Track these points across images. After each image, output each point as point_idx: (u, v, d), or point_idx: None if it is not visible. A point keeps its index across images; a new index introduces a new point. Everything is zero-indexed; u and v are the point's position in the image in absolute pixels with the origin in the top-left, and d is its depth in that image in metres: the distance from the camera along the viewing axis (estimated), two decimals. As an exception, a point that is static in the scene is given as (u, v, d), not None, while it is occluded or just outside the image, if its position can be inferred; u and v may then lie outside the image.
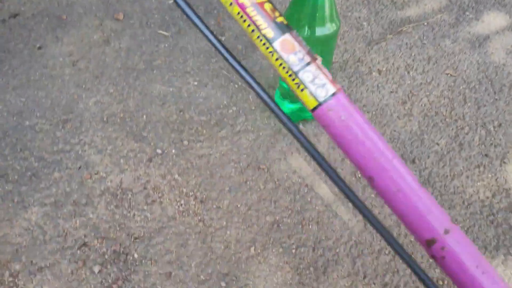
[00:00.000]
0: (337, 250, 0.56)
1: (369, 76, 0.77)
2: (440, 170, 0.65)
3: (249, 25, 0.30)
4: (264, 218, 0.58)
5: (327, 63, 0.60)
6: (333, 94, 0.30)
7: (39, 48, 0.76)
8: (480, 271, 0.39)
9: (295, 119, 0.68)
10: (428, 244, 0.41)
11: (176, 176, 0.61)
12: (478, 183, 0.64)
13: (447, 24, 0.86)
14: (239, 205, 0.59)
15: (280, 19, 0.30)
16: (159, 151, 0.63)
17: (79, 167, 0.60)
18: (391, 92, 0.75)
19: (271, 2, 0.31)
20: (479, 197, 0.63)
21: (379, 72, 0.77)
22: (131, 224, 0.56)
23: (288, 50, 0.30)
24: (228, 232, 0.56)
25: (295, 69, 0.31)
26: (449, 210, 0.61)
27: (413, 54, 0.80)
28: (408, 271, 0.56)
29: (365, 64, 0.79)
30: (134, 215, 0.56)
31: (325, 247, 0.56)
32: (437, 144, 0.68)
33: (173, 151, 0.64)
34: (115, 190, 0.59)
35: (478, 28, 0.86)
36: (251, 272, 0.54)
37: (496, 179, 0.65)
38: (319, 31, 0.55)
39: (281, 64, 0.30)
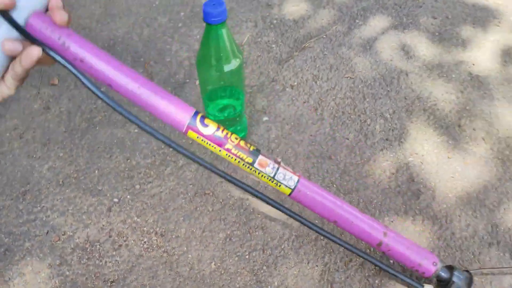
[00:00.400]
0: (282, 247, 0.67)
1: (284, 92, 0.89)
2: (352, 160, 0.78)
3: (236, 160, 0.50)
4: (217, 235, 0.68)
5: (241, 89, 0.71)
6: (298, 181, 0.53)
7: (-17, 129, 0.81)
8: (411, 249, 0.57)
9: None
10: (378, 246, 0.59)
11: (135, 218, 0.70)
12: (383, 164, 0.78)
13: (342, 34, 1.01)
14: (194, 230, 0.69)
15: (252, 148, 0.51)
16: (115, 200, 0.72)
17: (47, 232, 0.67)
18: (304, 102, 0.87)
19: (242, 139, 0.51)
20: (386, 175, 0.76)
21: (292, 87, 0.90)
22: (104, 271, 0.64)
23: (264, 165, 0.50)
24: (189, 256, 0.66)
25: (272, 175, 0.51)
26: (364, 191, 0.74)
27: (317, 66, 0.94)
28: (341, 248, 0.68)
29: (279, 82, 0.91)
30: (105, 262, 0.64)
31: (272, 247, 0.67)
32: (347, 139, 0.81)
33: (128, 196, 0.72)
34: (84, 244, 0.66)
35: (367, 32, 1.01)
36: (216, 284, 0.63)
37: (397, 157, 0.79)
38: (227, 68, 0.65)
39: (262, 175, 0.51)
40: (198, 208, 0.71)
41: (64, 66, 0.43)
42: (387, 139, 0.81)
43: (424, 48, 0.97)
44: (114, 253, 0.66)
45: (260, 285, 0.63)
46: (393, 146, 0.80)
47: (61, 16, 0.41)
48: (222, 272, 0.65)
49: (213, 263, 0.65)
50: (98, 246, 0.66)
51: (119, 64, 0.46)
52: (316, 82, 0.91)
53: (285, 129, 0.82)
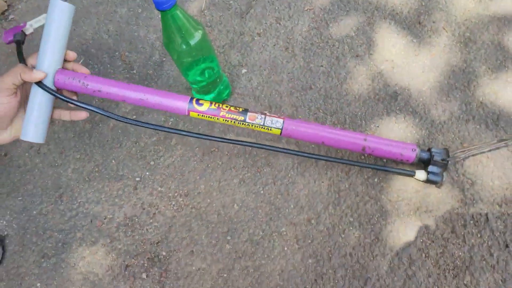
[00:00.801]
0: (289, 175, 0.76)
1: (253, 41, 0.94)
2: (331, 84, 0.85)
3: (231, 121, 0.65)
4: (232, 182, 0.77)
5: (212, 52, 0.76)
6: (283, 122, 0.66)
7: (5, 155, 0.89)
8: (390, 145, 0.66)
9: (218, 101, 0.86)
10: (363, 150, 0.69)
11: (159, 188, 0.79)
12: (359, 78, 0.84)
13: (291, -31, 1.03)
14: (211, 183, 0.78)
15: (240, 109, 0.66)
16: (137, 178, 0.81)
17: (91, 221, 0.77)
18: (274, 45, 0.92)
19: (228, 104, 0.69)
20: (364, 88, 0.83)
21: (259, 34, 0.95)
22: (148, 236, 0.74)
23: (253, 118, 0.63)
24: (214, 205, 0.75)
25: (262, 123, 0.65)
26: (348, 108, 0.81)
27: (276, 8, 0.98)
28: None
29: (246, 34, 0.96)
30: (147, 230, 0.75)
31: (280, 178, 0.76)
32: (321, 66, 0.87)
33: (147, 173, 0.81)
34: (124, 221, 0.76)
35: (314, -40, 1.03)
36: (243, 220, 0.73)
37: (370, 69, 0.85)
38: (192, 42, 0.70)
39: (255, 126, 0.66)
40: (209, 165, 0.79)
41: (93, 111, 0.66)
42: (357, 56, 0.87)
43: (372, -41, 1.00)
44: (151, 220, 0.75)
45: (279, 211, 0.73)
46: (364, 60, 0.86)
47: (84, 69, 0.68)
48: (245, 210, 0.74)
49: (235, 204, 0.75)
50: (136, 219, 0.76)
51: (125, 84, 0.65)
52: (280, 24, 0.95)
53: (264, 74, 0.89)
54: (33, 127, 0.67)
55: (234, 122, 0.65)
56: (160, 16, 0.69)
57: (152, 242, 0.73)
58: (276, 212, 0.73)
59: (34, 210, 0.80)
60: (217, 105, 0.65)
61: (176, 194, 0.78)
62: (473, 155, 0.70)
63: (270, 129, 0.66)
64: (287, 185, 0.75)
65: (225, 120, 0.65)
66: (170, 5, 0.64)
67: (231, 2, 1.01)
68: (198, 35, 0.71)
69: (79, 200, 0.80)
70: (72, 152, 0.87)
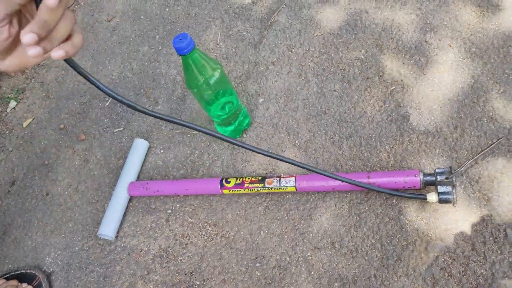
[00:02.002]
0: (311, 200, 0.78)
1: (268, 70, 0.97)
2: (344, 107, 0.86)
3: (254, 190, 0.77)
4: (257, 209, 0.80)
5: (230, 86, 0.80)
6: (295, 180, 0.75)
7: (47, 194, 0.95)
8: (391, 175, 0.68)
9: (238, 134, 0.89)
10: (368, 177, 0.71)
11: (189, 219, 0.82)
12: (371, 101, 0.86)
13: (298, -3, 1.06)
14: (238, 212, 0.81)
15: (259, 178, 0.77)
16: (169, 211, 0.84)
17: (128, 254, 0.81)
18: (287, 73, 0.95)
19: (247, 176, 0.79)
20: (376, 110, 0.84)
21: (273, 63, 0.98)
22: (182, 266, 0.77)
23: (270, 182, 0.76)
24: (242, 233, 0.78)
25: (278, 185, 0.75)
26: (362, 130, 0.83)
27: (288, 36, 1.00)
28: (358, 184, 0.77)
29: (261, 63, 0.98)
30: (181, 260, 0.78)
31: (303, 203, 0.78)
32: (334, 90, 0.89)
33: (177, 205, 0.84)
34: (159, 252, 0.80)
35: (319, -14, 1.05)
36: (270, 247, 0.76)
37: (380, 91, 0.86)
38: (211, 81, 0.74)
39: (273, 188, 0.76)
40: (234, 194, 0.82)
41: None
42: (367, 78, 0.89)
43: (375, -19, 1.01)
44: (184, 251, 0.79)
45: (303, 236, 0.75)
46: (375, 81, 0.88)
47: None
48: (271, 236, 0.77)
49: (261, 231, 0.77)
50: (170, 250, 0.80)
51: (173, 182, 0.82)
52: (292, 51, 0.98)
53: (280, 102, 0.91)
54: (113, 225, 0.81)
55: (257, 189, 0.76)
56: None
57: (186, 272, 0.77)
58: (300, 237, 0.75)
59: (76, 246, 0.85)
60: (241, 179, 0.77)
61: (205, 224, 0.81)
62: (474, 164, 0.71)
63: (286, 188, 0.75)
64: (310, 210, 0.77)
65: (250, 190, 0.76)
66: (190, 50, 0.67)
67: (244, 33, 1.04)
68: (216, 74, 0.74)
69: (116, 235, 0.84)
70: (107, 189, 0.91)
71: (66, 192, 0.94)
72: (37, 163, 1.01)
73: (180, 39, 0.65)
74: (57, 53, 0.40)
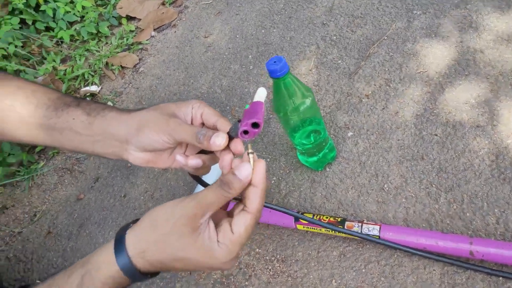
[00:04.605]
0: (395, 256, 0.67)
1: (361, 103, 0.88)
2: (446, 156, 0.74)
3: (332, 231, 0.68)
4: (332, 253, 0.70)
5: (319, 116, 0.72)
6: (380, 229, 0.65)
7: (124, 196, 0.95)
8: (502, 247, 0.57)
9: (321, 167, 0.80)
10: (471, 255, 0.60)
11: (257, 249, 0.75)
12: (480, 153, 0.72)
13: (402, 29, 0.96)
14: (310, 252, 0.72)
15: (339, 219, 0.68)
16: (237, 236, 0.78)
17: (190, 273, 0.76)
18: (382, 108, 0.85)
19: (325, 214, 0.71)
20: (486, 164, 0.71)
21: (367, 96, 0.88)
22: (243, 300, 0.70)
23: (351, 227, 0.66)
24: (311, 276, 0.69)
25: (359, 231, 0.65)
26: (466, 185, 0.69)
27: (387, 69, 0.91)
28: (456, 247, 0.64)
29: (354, 95, 0.90)
30: (242, 292, 0.71)
31: (385, 257, 0.67)
32: (436, 135, 0.77)
33: (246, 231, 0.78)
34: (221, 279, 0.74)
35: (428, 20, 0.95)
36: (340, 298, 0.66)
37: (493, 143, 0.72)
38: (301, 108, 0.67)
39: (353, 233, 0.65)
40: (308, 231, 0.74)
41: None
42: (478, 126, 0.75)
43: (494, 19, 0.88)
44: (246, 283, 0.72)
45: (383, 295, 0.64)
46: (487, 131, 0.74)
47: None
48: (342, 286, 0.66)
49: (334, 280, 0.67)
50: (232, 278, 0.73)
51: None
52: (389, 86, 0.88)
53: (371, 139, 0.81)
54: None
55: (334, 231, 0.67)
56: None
57: (250, 307, 0.69)
58: (379, 296, 0.64)
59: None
60: (317, 216, 0.70)
61: (273, 258, 0.73)
62: None
63: (369, 236, 0.65)
64: (393, 267, 0.66)
65: (327, 230, 0.68)
66: (283, 73, 0.62)
67: (339, 61, 0.97)
68: (307, 102, 0.67)
69: (182, 251, 0.80)
70: (180, 201, 0.88)
71: (142, 197, 0.93)
72: (121, 164, 1.02)
73: (275, 62, 0.60)
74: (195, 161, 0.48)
